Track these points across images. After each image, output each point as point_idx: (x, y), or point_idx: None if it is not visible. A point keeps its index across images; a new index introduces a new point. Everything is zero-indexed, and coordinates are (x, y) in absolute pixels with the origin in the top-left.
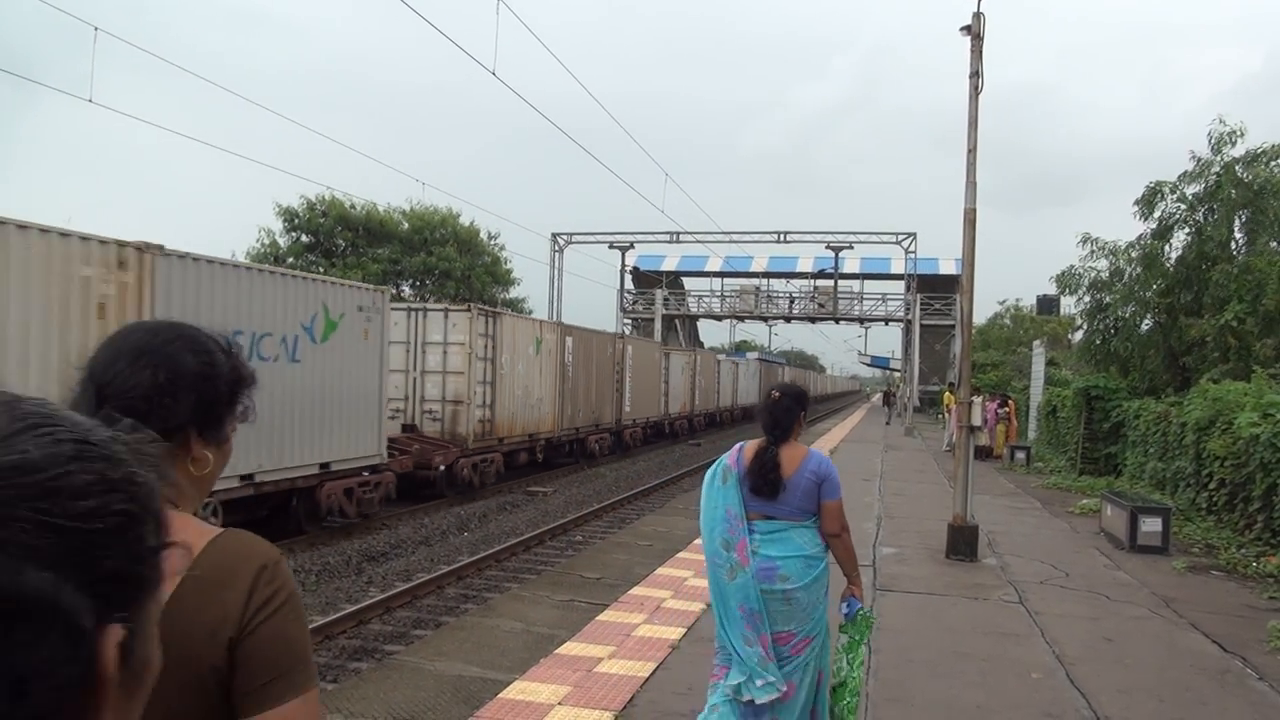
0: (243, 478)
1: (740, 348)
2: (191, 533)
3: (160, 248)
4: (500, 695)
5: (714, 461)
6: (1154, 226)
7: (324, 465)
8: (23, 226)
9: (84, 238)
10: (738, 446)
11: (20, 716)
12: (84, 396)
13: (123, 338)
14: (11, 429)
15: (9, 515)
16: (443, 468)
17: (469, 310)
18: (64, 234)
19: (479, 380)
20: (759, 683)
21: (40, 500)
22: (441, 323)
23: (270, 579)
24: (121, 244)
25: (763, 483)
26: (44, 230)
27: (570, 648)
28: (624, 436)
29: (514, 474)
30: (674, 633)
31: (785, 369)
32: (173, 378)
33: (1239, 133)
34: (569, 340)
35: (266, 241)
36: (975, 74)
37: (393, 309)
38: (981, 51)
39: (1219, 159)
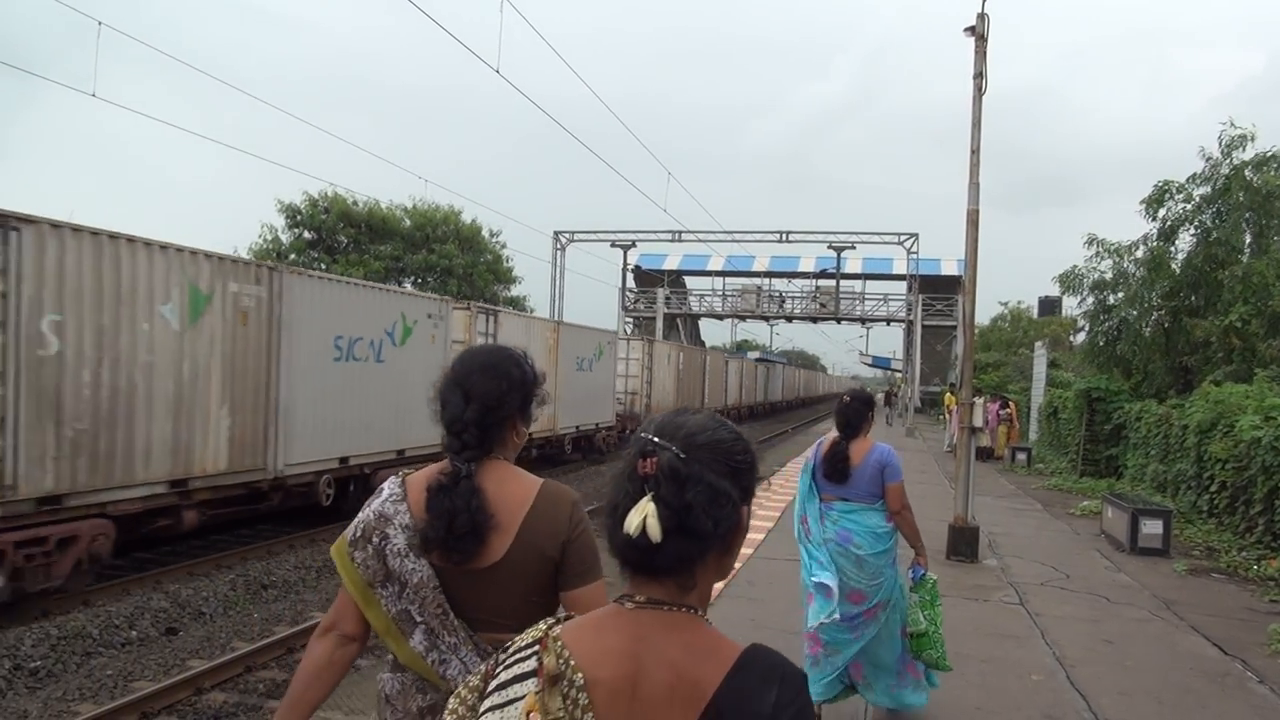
0: (340, 460)
1: (741, 347)
2: (527, 479)
3: (285, 267)
4: None
5: None
6: (1160, 226)
7: (400, 452)
8: (194, 253)
9: (234, 260)
10: (817, 442)
11: (720, 531)
12: (455, 395)
13: (472, 357)
14: (712, 423)
15: (717, 459)
16: None
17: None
18: (221, 257)
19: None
20: (815, 572)
21: (728, 455)
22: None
23: (577, 511)
24: (259, 264)
25: (834, 470)
26: (208, 255)
27: None
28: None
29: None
30: None
31: (785, 368)
32: (508, 384)
33: (1249, 136)
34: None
35: (269, 238)
36: (979, 75)
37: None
38: (985, 52)
39: (1228, 162)
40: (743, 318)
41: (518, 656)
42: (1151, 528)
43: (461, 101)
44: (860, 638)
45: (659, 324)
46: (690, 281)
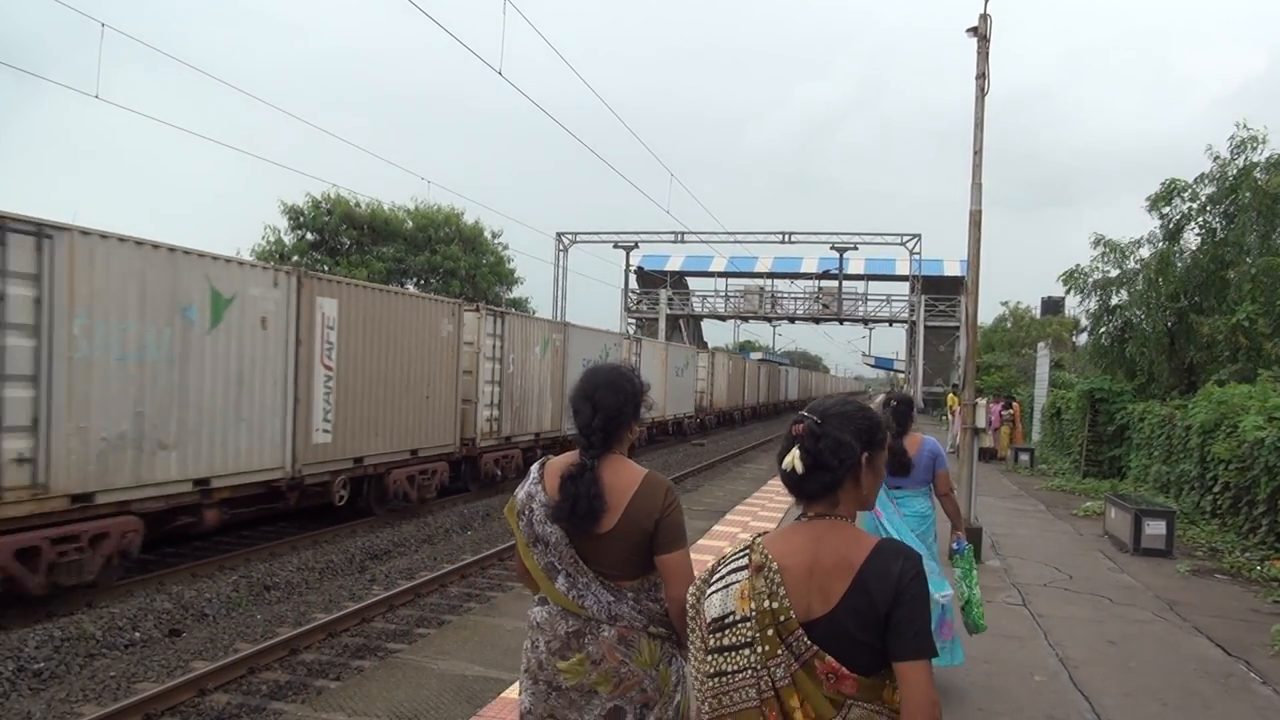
0: (412, 452)
1: (744, 348)
2: (635, 470)
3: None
4: (503, 694)
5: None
6: (1165, 226)
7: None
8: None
9: (254, 265)
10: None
11: (843, 468)
12: (585, 406)
13: (596, 375)
14: (842, 403)
15: (843, 424)
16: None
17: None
18: (241, 262)
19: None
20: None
21: (851, 421)
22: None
23: (670, 495)
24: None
25: (899, 466)
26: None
27: None
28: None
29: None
30: None
31: (787, 370)
32: (624, 397)
33: (1260, 138)
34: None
35: (272, 239)
36: (981, 75)
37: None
38: (988, 53)
39: (1235, 163)
40: (745, 318)
41: (732, 560)
42: (1154, 528)
43: (464, 103)
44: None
45: (661, 325)
46: (693, 282)
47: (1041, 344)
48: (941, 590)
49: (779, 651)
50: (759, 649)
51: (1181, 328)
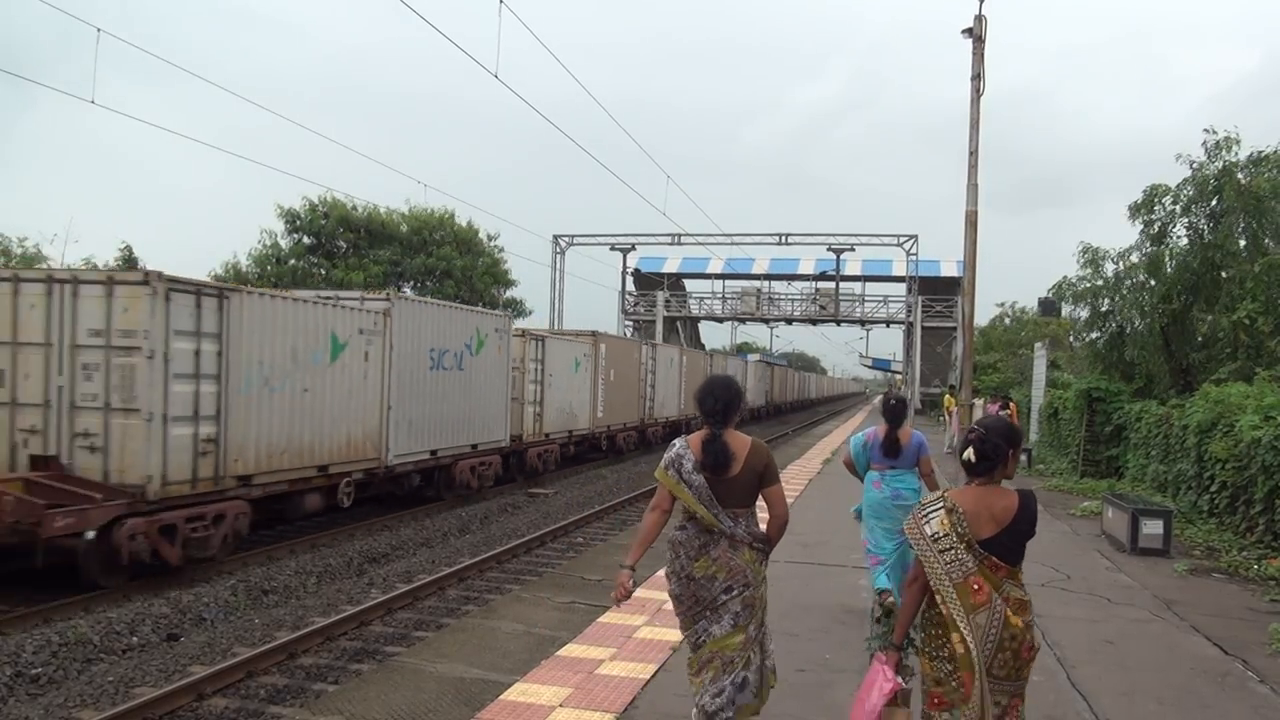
0: (431, 452)
1: (741, 350)
2: (744, 437)
3: (395, 295)
4: (501, 697)
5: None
6: (1149, 231)
7: (474, 445)
8: (336, 305)
9: (367, 311)
10: (873, 429)
11: (996, 459)
12: (709, 398)
13: (715, 380)
14: (995, 420)
15: (998, 433)
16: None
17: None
18: (352, 307)
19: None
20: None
21: (1004, 431)
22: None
23: (768, 452)
24: (377, 298)
25: (891, 448)
26: (344, 307)
27: (571, 649)
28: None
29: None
30: (675, 635)
31: (785, 370)
32: (735, 393)
33: (1233, 140)
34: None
35: (268, 243)
36: (977, 76)
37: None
38: (983, 54)
39: (1215, 164)
40: (742, 320)
41: (930, 505)
42: (1152, 528)
43: (460, 106)
44: (900, 553)
45: (659, 327)
46: (690, 284)
47: (1038, 344)
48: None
49: (965, 553)
50: (956, 550)
51: (1176, 328)
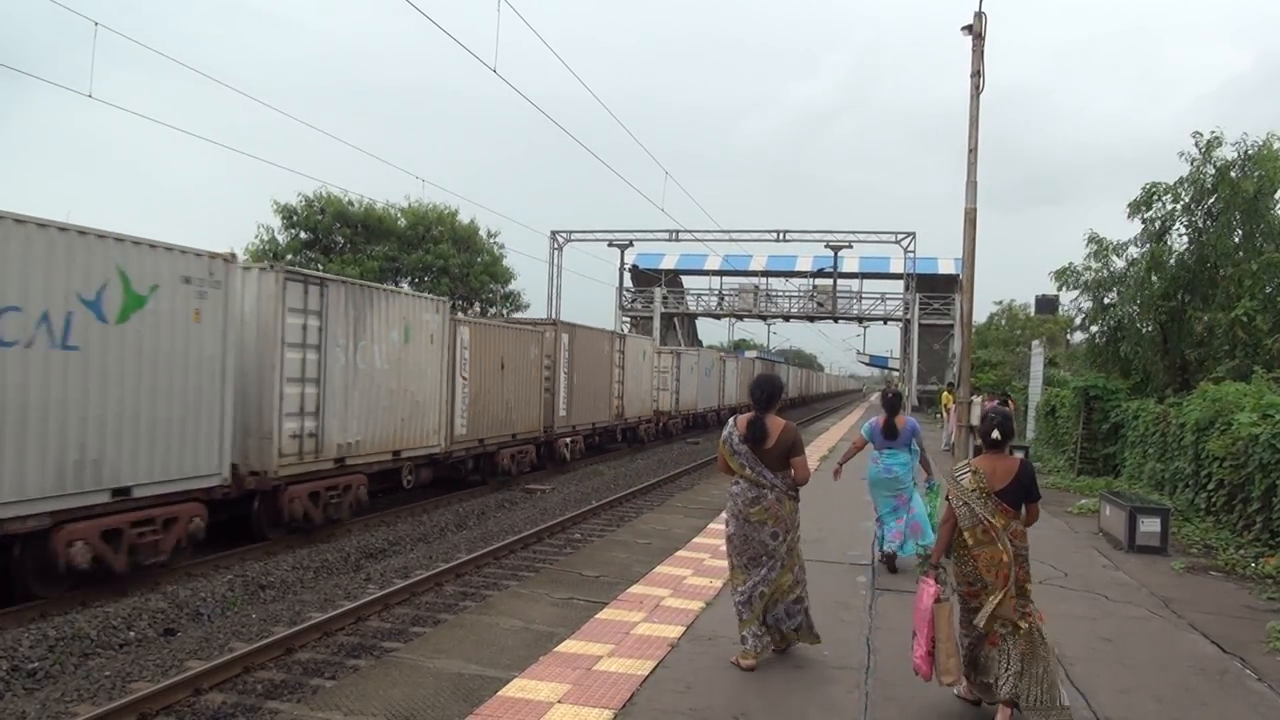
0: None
1: (739, 346)
2: (780, 420)
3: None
4: (499, 693)
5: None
6: (1149, 228)
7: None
8: (413, 296)
9: (428, 298)
10: (877, 418)
11: (1010, 437)
12: (759, 389)
13: (762, 377)
14: (1001, 407)
15: (1007, 419)
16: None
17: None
18: (423, 297)
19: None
20: (889, 536)
21: (1004, 422)
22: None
23: (797, 431)
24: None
25: (890, 431)
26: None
27: (569, 646)
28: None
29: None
30: (673, 631)
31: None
32: (777, 387)
33: (1219, 139)
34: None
35: (266, 238)
36: (976, 74)
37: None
38: (983, 51)
39: (1211, 163)
40: (740, 317)
41: (961, 469)
42: (1149, 526)
43: (458, 101)
44: (898, 516)
45: (656, 323)
46: (687, 281)
47: (1036, 342)
48: (918, 505)
49: (987, 500)
50: (981, 499)
51: (1174, 326)
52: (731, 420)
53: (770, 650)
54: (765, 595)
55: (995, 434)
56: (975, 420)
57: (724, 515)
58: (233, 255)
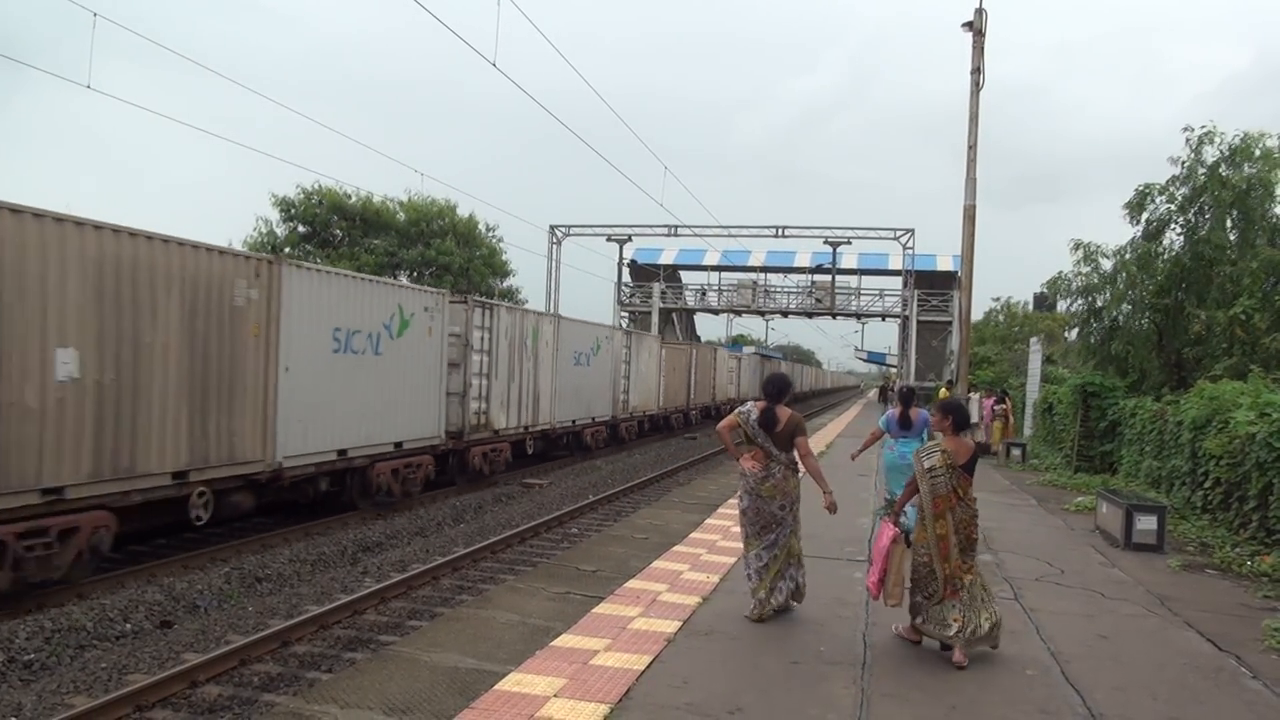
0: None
1: (737, 342)
2: (789, 410)
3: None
4: (496, 687)
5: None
6: (1145, 228)
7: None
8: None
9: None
10: (892, 410)
11: (967, 424)
12: (771, 384)
13: (772, 375)
14: (957, 398)
15: (962, 409)
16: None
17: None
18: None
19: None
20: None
21: (956, 411)
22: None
23: (801, 419)
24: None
25: (905, 422)
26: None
27: (566, 640)
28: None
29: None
30: (670, 626)
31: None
32: (786, 383)
33: (1211, 134)
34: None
35: (264, 231)
36: (976, 70)
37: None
38: (983, 48)
39: (1198, 159)
40: (738, 312)
41: (928, 449)
42: (1146, 524)
43: (457, 95)
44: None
45: (654, 318)
46: (686, 276)
47: (1034, 339)
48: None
49: (950, 472)
50: (947, 474)
51: (1169, 323)
52: (750, 404)
53: (775, 608)
54: (778, 559)
55: (951, 416)
56: (973, 417)
57: (722, 510)
58: (446, 291)
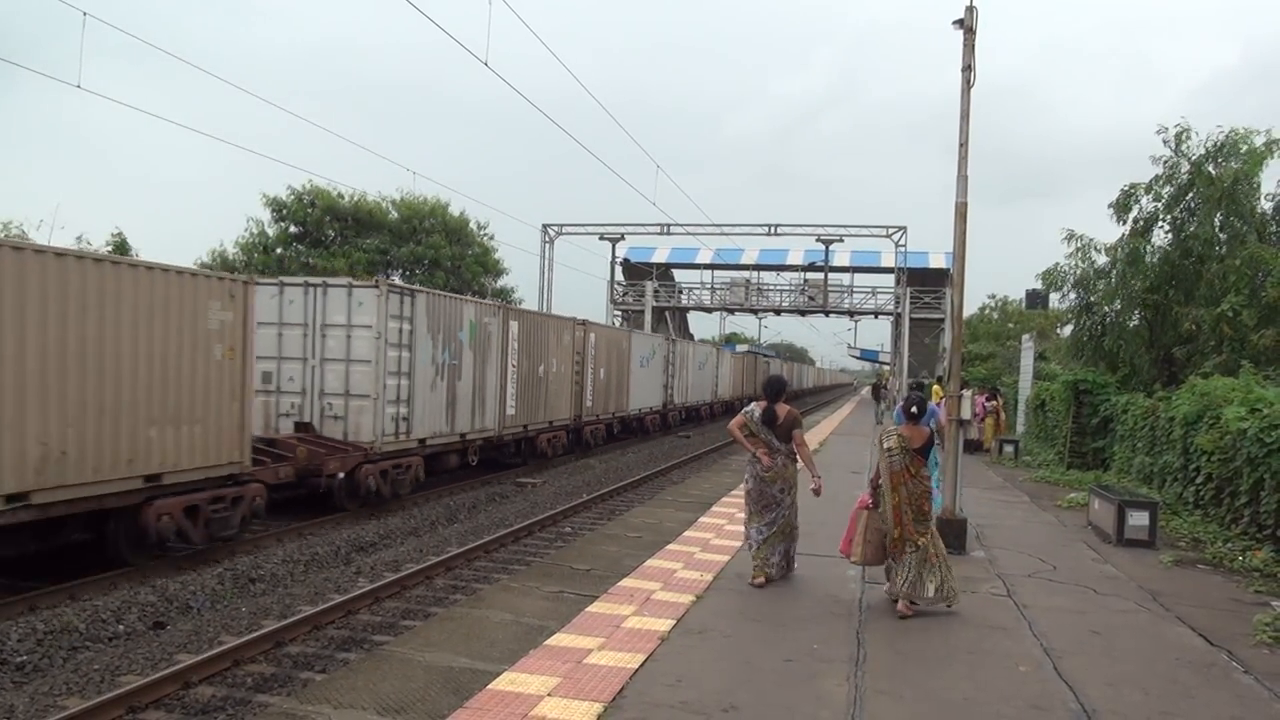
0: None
1: (729, 340)
2: (788, 407)
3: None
4: (490, 686)
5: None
6: (1132, 226)
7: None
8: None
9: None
10: (900, 405)
11: (921, 415)
12: (770, 385)
13: (771, 378)
14: (918, 393)
15: (918, 401)
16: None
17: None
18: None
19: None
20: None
21: (916, 402)
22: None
23: (798, 416)
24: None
25: (917, 415)
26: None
27: (560, 639)
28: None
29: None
30: (663, 624)
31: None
32: (783, 384)
33: (1186, 132)
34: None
35: (255, 231)
36: (967, 68)
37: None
38: (974, 45)
39: (1183, 158)
40: (731, 310)
41: (888, 429)
42: (1138, 519)
43: (450, 95)
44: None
45: (647, 317)
46: (679, 274)
47: (1026, 336)
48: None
49: (904, 454)
50: (901, 453)
51: (1159, 320)
52: (754, 405)
53: (774, 569)
54: (777, 532)
55: (914, 409)
56: (966, 414)
57: (715, 508)
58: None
